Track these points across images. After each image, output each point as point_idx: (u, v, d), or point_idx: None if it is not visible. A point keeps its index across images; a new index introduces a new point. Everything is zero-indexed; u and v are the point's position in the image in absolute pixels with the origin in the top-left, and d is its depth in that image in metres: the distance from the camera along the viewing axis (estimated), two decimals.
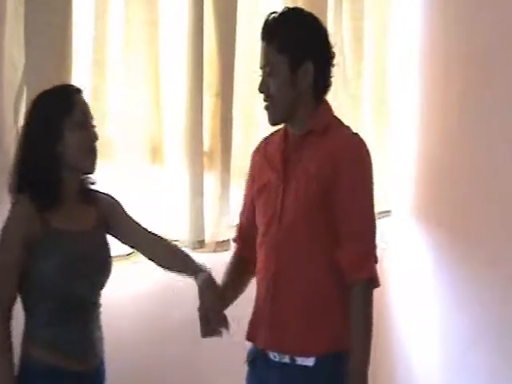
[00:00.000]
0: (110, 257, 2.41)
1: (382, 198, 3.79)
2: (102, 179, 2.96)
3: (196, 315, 2.28)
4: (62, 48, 2.77)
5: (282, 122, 2.31)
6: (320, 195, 2.20)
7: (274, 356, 2.27)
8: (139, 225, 2.46)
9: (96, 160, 2.36)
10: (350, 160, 2.21)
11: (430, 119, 3.86)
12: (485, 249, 3.59)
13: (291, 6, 3.36)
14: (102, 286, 2.37)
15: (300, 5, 3.44)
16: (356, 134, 2.31)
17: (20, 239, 2.21)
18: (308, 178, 2.22)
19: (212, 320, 2.26)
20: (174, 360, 3.18)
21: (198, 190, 3.17)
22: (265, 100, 2.27)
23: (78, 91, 2.37)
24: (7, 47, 2.78)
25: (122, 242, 2.48)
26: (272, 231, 2.28)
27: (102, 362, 2.36)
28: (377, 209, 3.77)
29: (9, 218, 2.25)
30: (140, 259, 2.63)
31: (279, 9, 3.30)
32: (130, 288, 3.08)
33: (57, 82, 2.73)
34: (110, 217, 2.42)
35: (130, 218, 2.47)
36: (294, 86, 2.23)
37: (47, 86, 2.69)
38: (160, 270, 2.46)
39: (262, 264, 2.32)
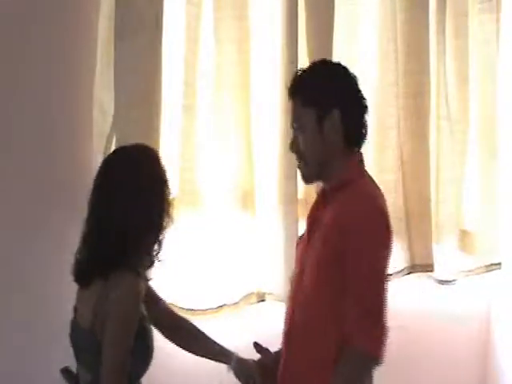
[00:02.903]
0: None
1: (490, 250, 3.59)
2: (190, 228, 2.88)
3: None
4: (151, 94, 2.71)
5: (317, 179, 2.23)
6: (329, 259, 2.11)
7: None
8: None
9: None
10: (355, 226, 2.08)
11: None
12: None
13: (390, 44, 3.24)
14: None
15: (399, 44, 3.30)
16: (372, 190, 2.19)
17: (138, 320, 2.02)
18: (319, 239, 2.16)
19: None
20: None
21: (292, 240, 2.99)
22: (297, 159, 2.21)
23: None
24: (97, 96, 2.77)
25: None
26: (293, 287, 2.27)
27: None
28: (486, 261, 3.62)
29: (132, 296, 2.00)
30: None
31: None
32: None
33: (146, 130, 2.68)
34: None
35: None
36: (322, 139, 2.16)
37: (135, 133, 2.66)
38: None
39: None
